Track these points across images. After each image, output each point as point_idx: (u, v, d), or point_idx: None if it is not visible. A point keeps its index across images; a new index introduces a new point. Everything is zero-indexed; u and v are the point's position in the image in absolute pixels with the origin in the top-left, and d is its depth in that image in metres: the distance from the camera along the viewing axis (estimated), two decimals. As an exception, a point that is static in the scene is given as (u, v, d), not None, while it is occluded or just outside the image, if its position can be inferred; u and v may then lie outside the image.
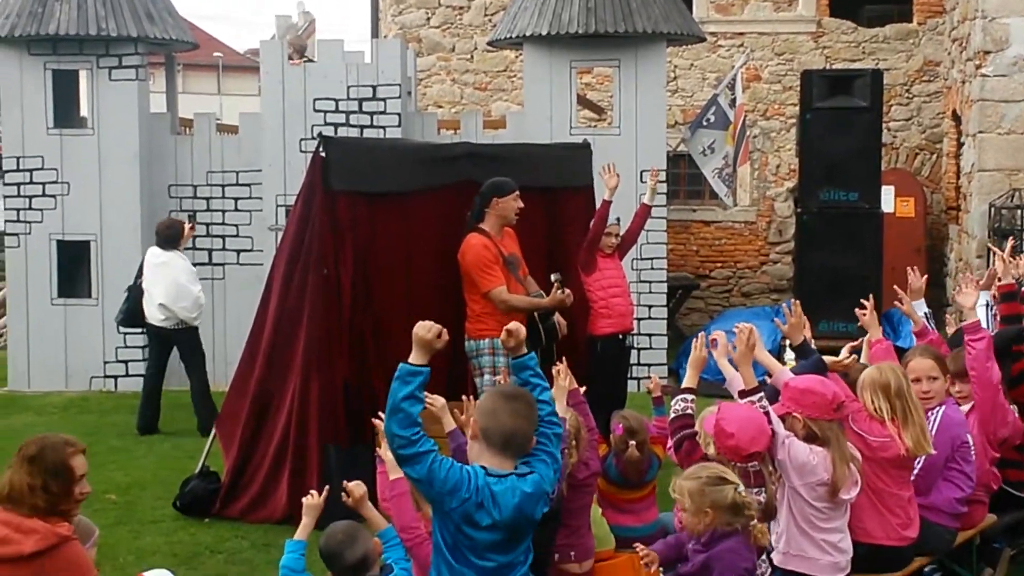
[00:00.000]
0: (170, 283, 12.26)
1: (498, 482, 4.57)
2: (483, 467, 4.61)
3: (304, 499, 5.44)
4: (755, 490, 5.58)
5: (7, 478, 5.14)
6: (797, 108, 16.86)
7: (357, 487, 5.52)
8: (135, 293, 12.49)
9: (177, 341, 12.53)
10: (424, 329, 4.58)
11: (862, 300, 7.53)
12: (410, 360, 4.57)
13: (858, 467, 5.89)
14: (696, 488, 5.27)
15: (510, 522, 4.57)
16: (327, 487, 5.50)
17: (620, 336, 10.85)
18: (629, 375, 11.79)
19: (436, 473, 4.48)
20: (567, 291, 9.21)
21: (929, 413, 6.78)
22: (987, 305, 8.58)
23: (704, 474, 5.34)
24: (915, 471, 6.60)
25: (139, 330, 13.02)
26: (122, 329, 13.55)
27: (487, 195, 9.22)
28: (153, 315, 12.37)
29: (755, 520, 5.27)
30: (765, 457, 5.64)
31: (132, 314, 12.52)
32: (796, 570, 5.90)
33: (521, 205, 9.27)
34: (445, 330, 4.64)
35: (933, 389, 6.88)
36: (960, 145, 17.91)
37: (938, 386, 6.91)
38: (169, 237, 12.49)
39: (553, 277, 9.32)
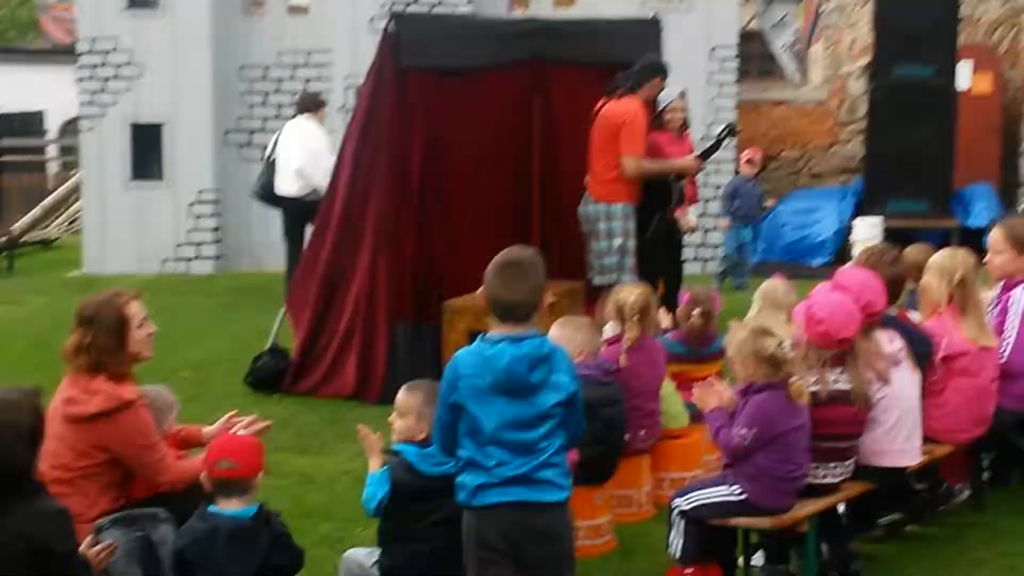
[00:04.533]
0: (309, 149, 11.68)
1: (490, 347, 4.43)
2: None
3: (361, 436, 5.20)
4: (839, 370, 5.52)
5: (69, 342, 5.22)
6: (873, -18, 16.50)
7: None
8: (269, 167, 11.98)
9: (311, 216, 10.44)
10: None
11: None
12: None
13: (881, 373, 5.73)
14: (743, 337, 5.38)
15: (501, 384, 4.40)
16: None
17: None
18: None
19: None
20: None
21: (1008, 294, 6.63)
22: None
23: (752, 325, 5.52)
24: (1005, 353, 6.48)
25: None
26: (260, 203, 12.53)
27: (655, 70, 9.27)
28: (287, 186, 11.78)
29: (794, 377, 5.26)
30: (856, 344, 5.56)
31: (270, 188, 11.97)
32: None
33: None
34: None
35: (995, 263, 6.71)
36: (1043, 19, 17.49)
37: (1001, 260, 6.67)
38: (308, 103, 12.19)
39: (725, 126, 9.69)
